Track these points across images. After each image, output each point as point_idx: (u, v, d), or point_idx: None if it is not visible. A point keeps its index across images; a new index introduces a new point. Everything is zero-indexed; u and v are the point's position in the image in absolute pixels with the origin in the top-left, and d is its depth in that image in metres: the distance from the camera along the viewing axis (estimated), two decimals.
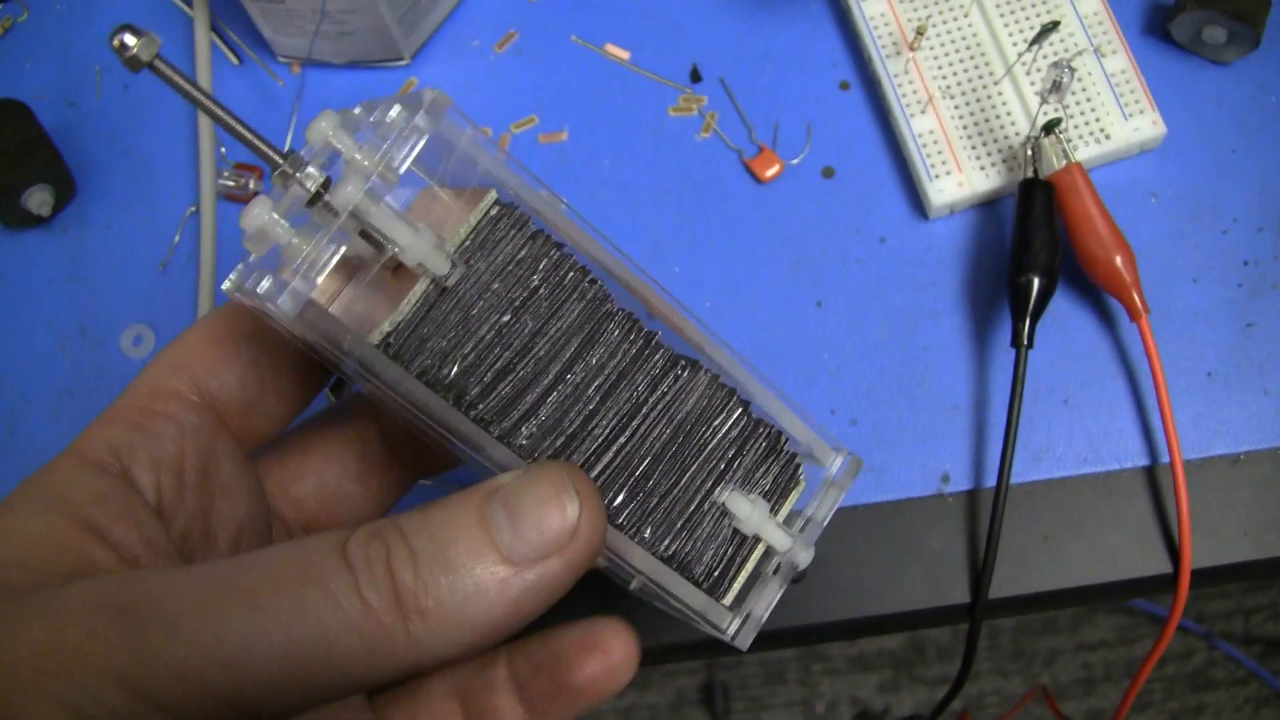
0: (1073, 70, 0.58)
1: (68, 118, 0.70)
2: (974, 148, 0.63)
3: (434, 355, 0.40)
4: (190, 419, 0.43)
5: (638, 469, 0.43)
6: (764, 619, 0.45)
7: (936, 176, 0.62)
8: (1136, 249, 0.59)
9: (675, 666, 1.71)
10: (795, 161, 0.65)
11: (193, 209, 0.68)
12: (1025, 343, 0.58)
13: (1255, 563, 0.60)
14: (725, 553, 0.44)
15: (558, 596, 0.36)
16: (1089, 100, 0.63)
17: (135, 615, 0.32)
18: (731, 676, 1.73)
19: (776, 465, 0.46)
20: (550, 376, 0.42)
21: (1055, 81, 0.58)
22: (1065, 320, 0.62)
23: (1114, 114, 0.62)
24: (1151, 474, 0.60)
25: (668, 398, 0.44)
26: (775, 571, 0.45)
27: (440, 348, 0.40)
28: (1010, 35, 0.64)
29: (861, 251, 0.64)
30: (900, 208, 0.64)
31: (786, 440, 0.46)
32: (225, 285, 0.40)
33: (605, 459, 0.42)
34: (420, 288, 0.40)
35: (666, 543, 0.43)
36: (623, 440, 0.43)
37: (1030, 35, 0.64)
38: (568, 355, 0.42)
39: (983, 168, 0.63)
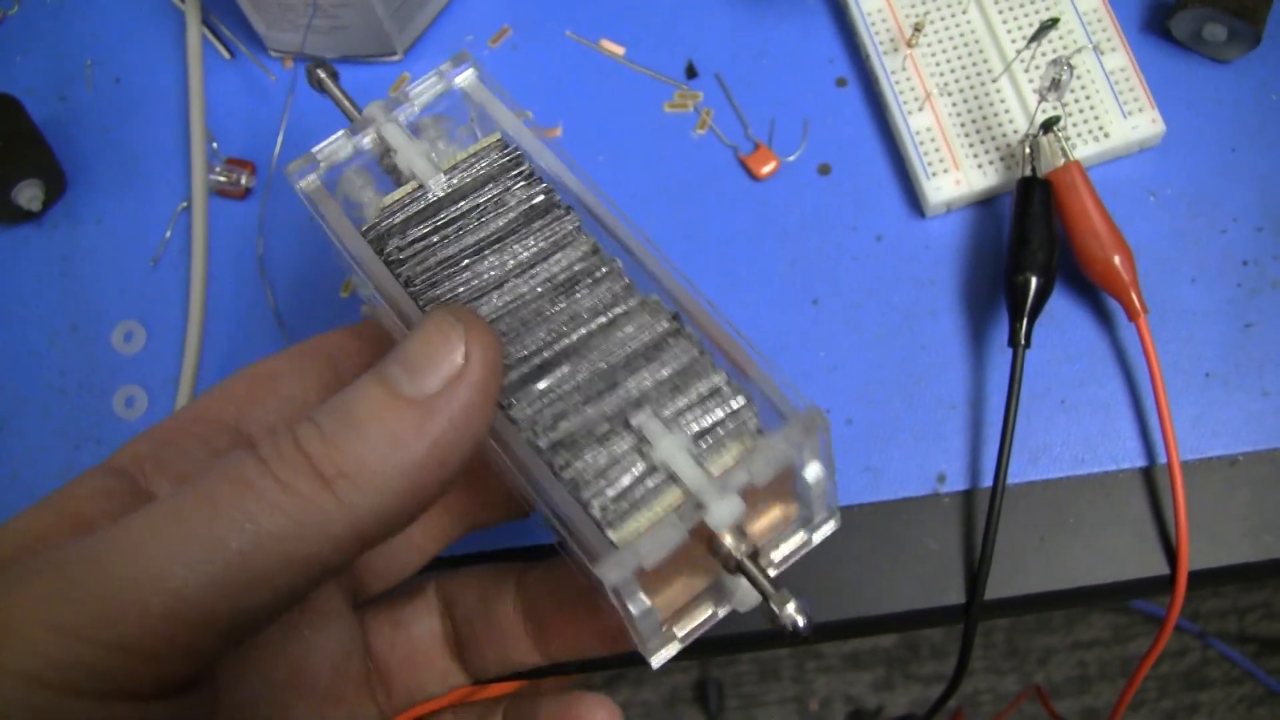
0: (1072, 68, 0.57)
1: (59, 112, 0.70)
2: (971, 145, 0.62)
3: (400, 243, 0.45)
4: (222, 443, 0.43)
5: (557, 367, 0.42)
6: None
7: (934, 174, 0.62)
8: (1135, 248, 0.59)
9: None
10: (791, 159, 0.65)
11: (184, 204, 0.67)
12: (1023, 342, 0.57)
13: (1253, 564, 0.59)
14: (633, 487, 0.40)
15: (478, 427, 0.36)
16: (1088, 98, 0.62)
17: (65, 566, 0.32)
18: (725, 674, 1.73)
19: (719, 409, 0.41)
20: (495, 276, 0.44)
21: (1054, 79, 0.58)
22: (1063, 320, 0.61)
23: (1113, 112, 0.62)
24: (1149, 475, 0.60)
25: (608, 317, 0.43)
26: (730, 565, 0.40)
27: (410, 238, 0.45)
28: (1009, 32, 0.64)
29: (858, 249, 0.63)
30: (897, 205, 0.64)
31: (739, 394, 0.42)
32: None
33: (527, 348, 0.43)
34: (407, 187, 0.46)
35: (565, 457, 0.41)
36: (548, 339, 0.43)
37: (1029, 32, 0.63)
38: (515, 260, 0.44)
39: (980, 165, 0.62)
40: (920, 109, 0.63)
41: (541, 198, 0.45)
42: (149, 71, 0.70)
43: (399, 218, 0.45)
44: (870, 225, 0.64)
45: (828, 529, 0.44)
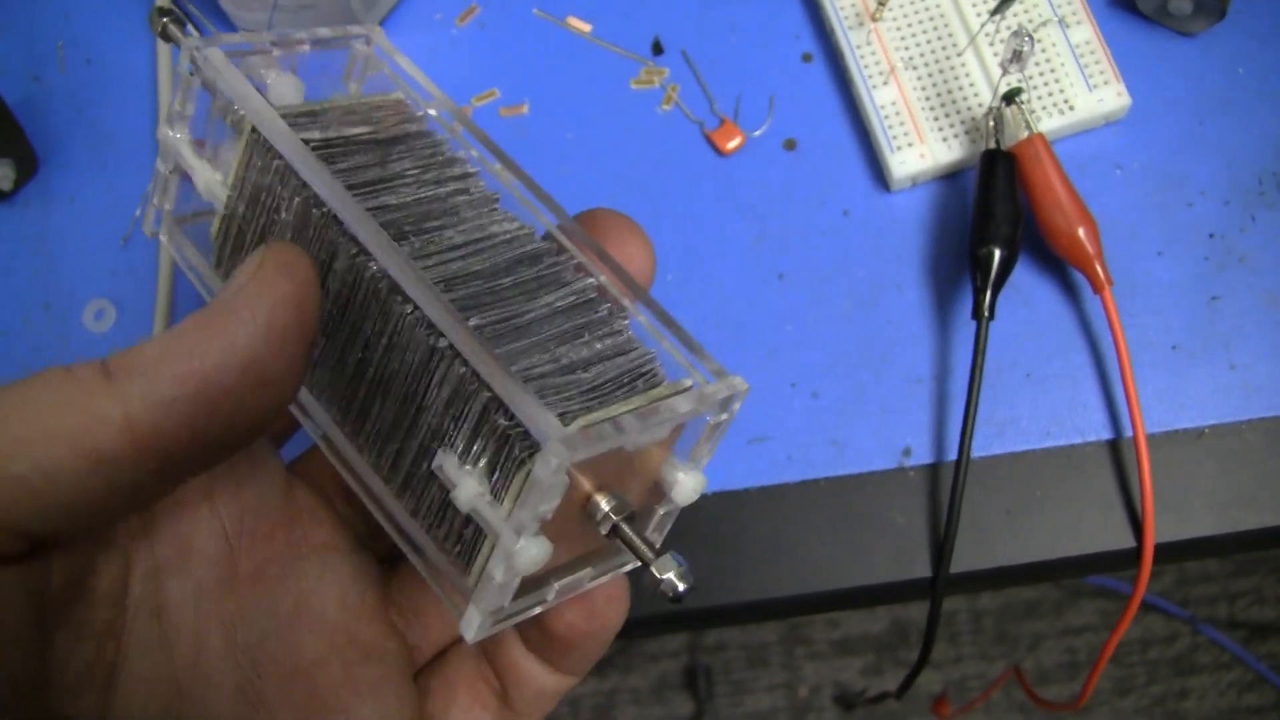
0: (1033, 39, 0.57)
1: (31, 92, 0.70)
2: (936, 119, 0.63)
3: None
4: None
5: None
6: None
7: (899, 148, 0.62)
8: (1101, 221, 0.59)
9: (658, 649, 1.71)
10: (757, 134, 0.65)
11: None
12: (986, 314, 0.57)
13: (1219, 537, 0.59)
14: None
15: (275, 325, 0.37)
16: (1053, 71, 0.62)
17: None
18: (714, 660, 1.73)
19: (493, 440, 0.39)
20: None
21: (1015, 50, 0.58)
22: (1028, 293, 0.62)
23: (1078, 85, 0.62)
24: (1115, 447, 0.60)
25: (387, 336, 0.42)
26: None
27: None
28: (973, 5, 0.64)
29: (824, 224, 0.63)
30: (863, 180, 0.64)
31: (503, 412, 0.38)
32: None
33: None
34: (214, 224, 0.46)
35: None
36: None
37: (993, 5, 0.63)
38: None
39: (945, 139, 0.62)
40: (885, 83, 0.63)
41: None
42: (120, 52, 0.70)
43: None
44: (836, 200, 0.64)
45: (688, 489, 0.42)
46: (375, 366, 0.41)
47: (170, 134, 0.44)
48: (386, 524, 0.43)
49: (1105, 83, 0.62)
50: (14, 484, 0.33)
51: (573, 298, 0.43)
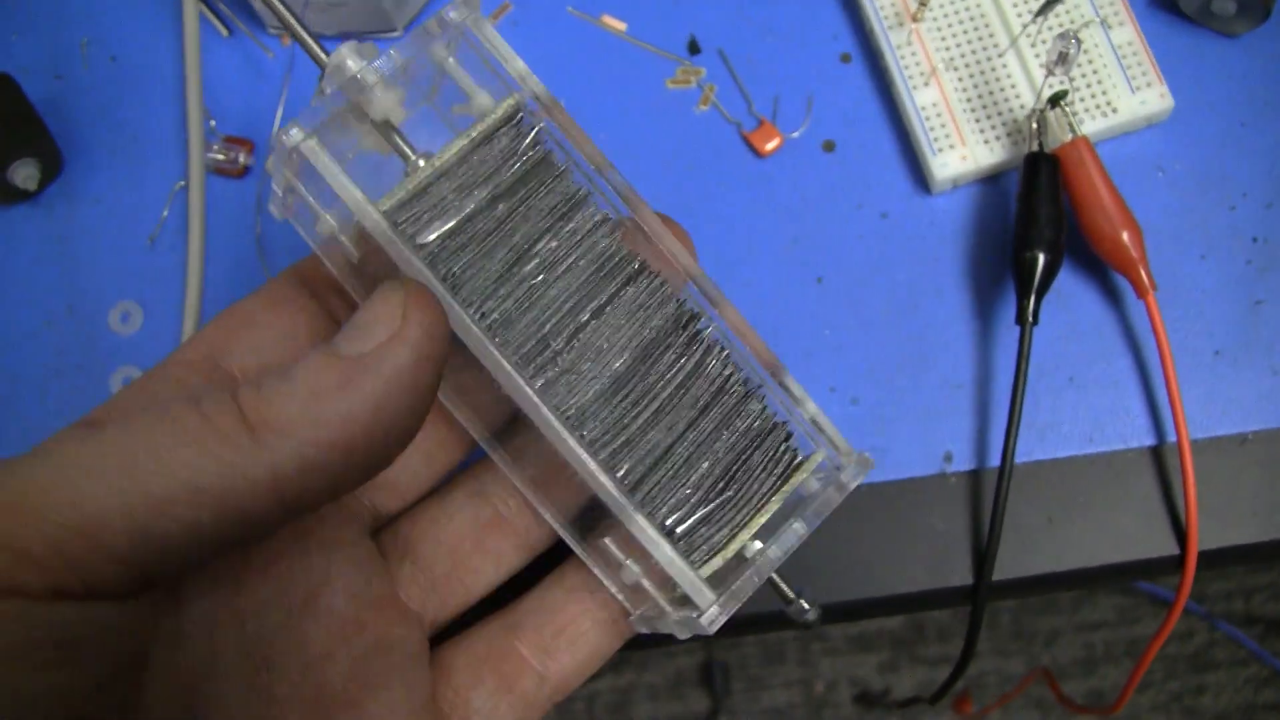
0: (1079, 41, 0.57)
1: (55, 91, 0.69)
2: (978, 121, 0.62)
3: (418, 223, 0.44)
4: (195, 379, 0.44)
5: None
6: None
7: (940, 150, 0.61)
8: (1143, 225, 0.58)
9: (674, 646, 1.70)
10: (795, 135, 0.64)
11: (181, 184, 0.66)
12: (1030, 319, 0.57)
13: (1264, 544, 0.59)
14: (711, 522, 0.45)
15: (415, 387, 0.37)
16: (1095, 73, 0.62)
17: None
18: (731, 656, 1.73)
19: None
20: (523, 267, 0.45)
21: (1061, 53, 0.57)
22: (1070, 297, 0.61)
23: (1120, 87, 0.61)
24: (1158, 454, 0.59)
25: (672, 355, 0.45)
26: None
27: (426, 218, 0.44)
28: (1015, 6, 0.63)
29: (863, 227, 0.63)
30: (902, 182, 0.63)
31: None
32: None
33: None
34: (423, 174, 0.44)
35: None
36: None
37: (1035, 6, 0.62)
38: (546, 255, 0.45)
39: (987, 141, 0.61)
40: (926, 84, 0.62)
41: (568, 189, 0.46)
42: (146, 49, 0.70)
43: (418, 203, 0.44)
44: (875, 202, 0.63)
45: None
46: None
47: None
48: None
49: (1148, 84, 0.61)
50: (153, 540, 0.34)
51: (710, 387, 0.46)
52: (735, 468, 0.45)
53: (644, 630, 0.47)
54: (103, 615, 0.34)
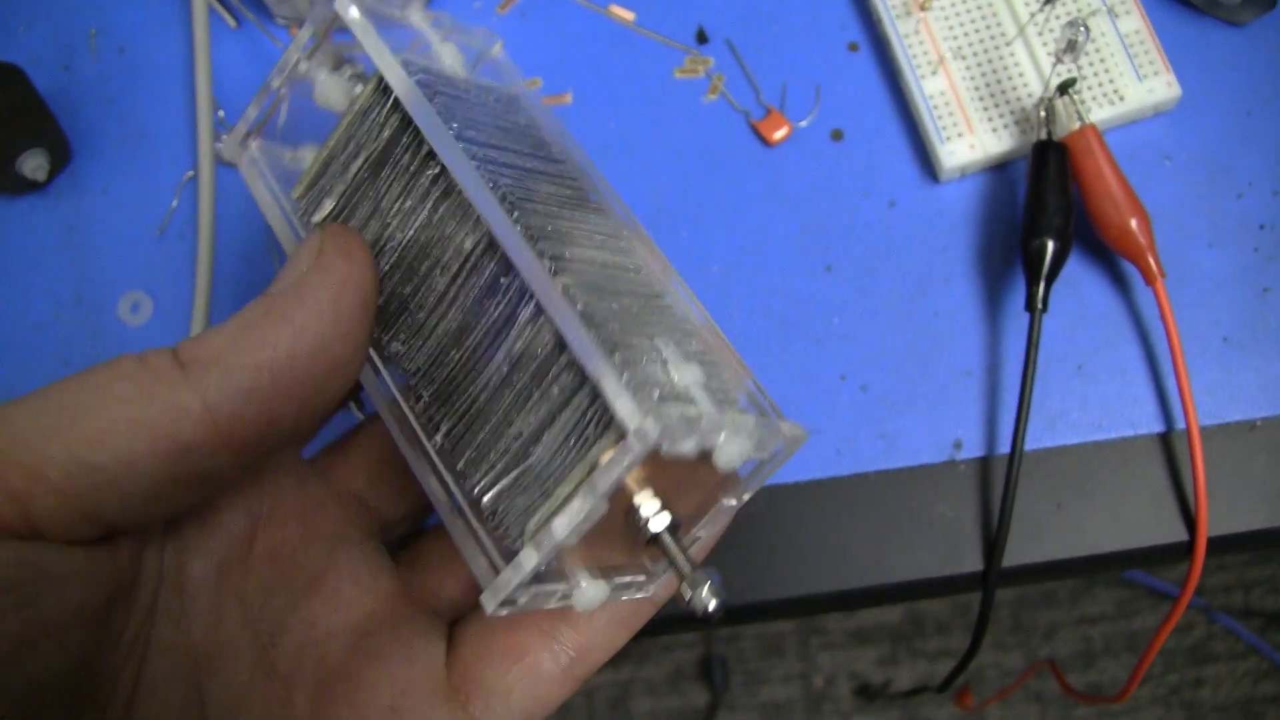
0: (1088, 29, 0.57)
1: (63, 82, 0.69)
2: (986, 109, 0.62)
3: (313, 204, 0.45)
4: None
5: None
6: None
7: (948, 139, 0.62)
8: (1151, 212, 0.59)
9: (672, 640, 1.71)
10: (803, 124, 0.64)
11: (190, 174, 0.67)
12: (1040, 306, 0.57)
13: (1273, 530, 0.59)
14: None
15: (332, 310, 0.39)
16: (1102, 61, 0.62)
17: None
18: (729, 650, 1.73)
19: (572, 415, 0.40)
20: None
21: (1070, 40, 0.57)
22: (1078, 285, 0.61)
23: (1128, 75, 0.62)
24: (1167, 441, 0.59)
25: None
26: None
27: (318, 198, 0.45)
28: None
29: (871, 215, 0.63)
30: (910, 170, 0.63)
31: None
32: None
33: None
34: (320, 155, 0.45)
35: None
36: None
37: None
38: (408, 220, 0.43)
39: (995, 130, 0.62)
40: (934, 73, 0.63)
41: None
42: (154, 41, 0.70)
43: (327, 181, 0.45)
44: (883, 191, 0.63)
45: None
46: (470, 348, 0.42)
47: (298, 56, 0.45)
48: (432, 487, 0.43)
49: (1155, 73, 0.62)
50: (95, 473, 0.34)
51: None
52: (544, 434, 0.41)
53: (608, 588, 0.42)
54: (56, 558, 0.34)
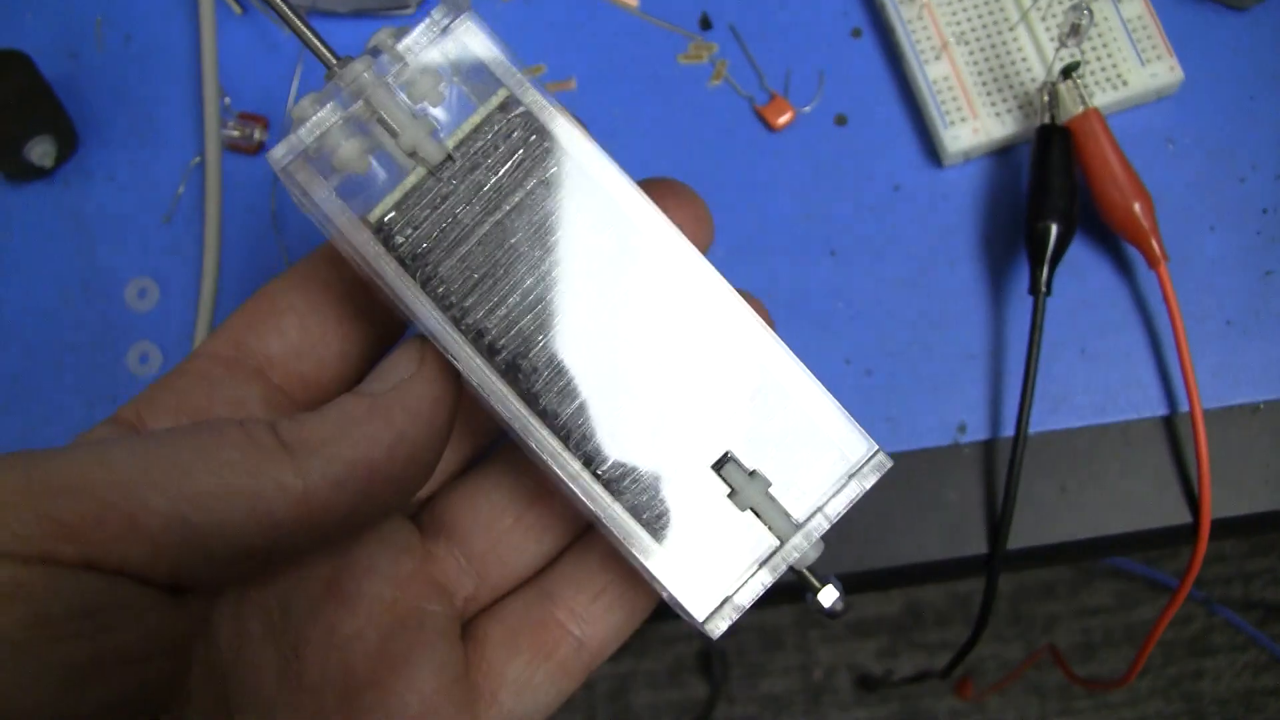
0: (1091, 12, 0.57)
1: (69, 69, 0.69)
2: (989, 94, 0.62)
3: (412, 238, 0.42)
4: (218, 373, 0.45)
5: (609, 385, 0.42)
6: (744, 606, 0.42)
7: (951, 123, 0.62)
8: (1154, 196, 0.59)
9: (672, 633, 1.71)
10: (807, 109, 0.65)
11: (197, 160, 0.67)
12: (1044, 290, 0.57)
13: (1275, 513, 0.59)
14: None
15: (431, 419, 0.41)
16: (1105, 46, 0.62)
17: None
18: (729, 643, 1.73)
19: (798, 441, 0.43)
20: (524, 275, 0.42)
21: (1074, 24, 0.57)
22: (1082, 268, 0.61)
23: (1131, 60, 0.62)
24: (1170, 423, 0.60)
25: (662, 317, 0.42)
26: (765, 561, 0.42)
27: (421, 232, 0.42)
28: None
29: (875, 200, 0.63)
30: (914, 155, 0.64)
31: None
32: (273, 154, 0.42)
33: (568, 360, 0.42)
34: (413, 177, 0.42)
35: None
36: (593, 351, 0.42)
37: None
38: (547, 260, 0.42)
39: (998, 114, 0.62)
40: (937, 58, 0.63)
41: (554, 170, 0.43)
42: (160, 28, 0.70)
43: (409, 211, 0.43)
44: (888, 175, 0.63)
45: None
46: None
47: (370, 79, 0.41)
48: (581, 499, 0.43)
49: (1158, 57, 0.62)
50: (191, 531, 0.35)
51: None
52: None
53: (736, 613, 0.43)
54: (134, 594, 0.35)
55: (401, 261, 0.42)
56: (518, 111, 0.41)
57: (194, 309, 0.65)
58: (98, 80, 0.69)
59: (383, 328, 0.47)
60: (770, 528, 0.42)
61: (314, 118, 0.41)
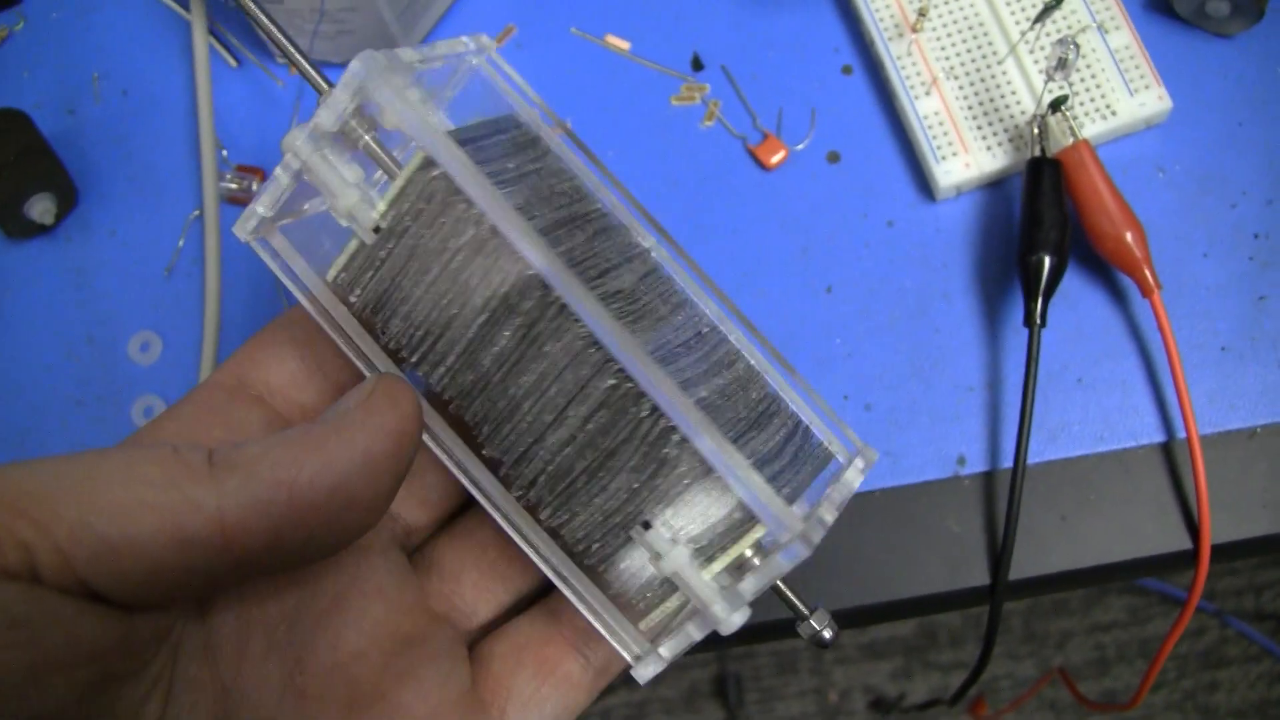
0: (1077, 46, 0.57)
1: (68, 125, 0.70)
2: (980, 128, 0.63)
3: (364, 296, 0.44)
4: (220, 399, 0.45)
5: (554, 457, 0.43)
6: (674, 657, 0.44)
7: (943, 158, 0.62)
8: (1146, 225, 0.59)
9: (687, 659, 1.71)
10: (800, 147, 0.65)
11: (196, 213, 0.67)
12: (1039, 321, 0.57)
13: (1275, 536, 0.59)
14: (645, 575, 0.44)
15: (373, 454, 0.40)
16: (1094, 77, 0.62)
17: None
18: (744, 667, 1.73)
19: (709, 514, 0.43)
20: (459, 335, 0.43)
21: (1060, 58, 0.58)
22: (1076, 299, 0.62)
23: (1119, 90, 0.62)
24: (1168, 450, 0.60)
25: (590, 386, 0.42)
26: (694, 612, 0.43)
27: (369, 293, 0.44)
28: (1012, 14, 0.64)
29: (870, 235, 0.64)
30: (907, 190, 0.64)
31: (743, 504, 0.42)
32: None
33: (521, 431, 0.43)
34: (353, 243, 0.43)
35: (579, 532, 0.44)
36: (544, 421, 0.43)
37: (1033, 14, 0.63)
38: (473, 325, 0.43)
39: (989, 148, 0.62)
40: (927, 93, 0.63)
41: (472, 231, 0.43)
42: (156, 82, 0.70)
43: (354, 274, 0.44)
44: (881, 211, 0.64)
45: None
46: (568, 427, 0.42)
47: (306, 148, 0.42)
48: (534, 555, 0.45)
49: (1146, 87, 0.62)
50: (98, 542, 0.35)
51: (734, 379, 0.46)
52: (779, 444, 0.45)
53: (663, 662, 0.44)
54: (56, 603, 0.35)
55: (358, 318, 0.44)
56: (435, 174, 0.42)
57: (197, 361, 0.65)
58: (96, 136, 0.70)
59: None
60: (690, 593, 0.42)
61: (264, 189, 0.44)
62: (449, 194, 0.42)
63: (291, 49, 0.45)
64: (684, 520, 0.42)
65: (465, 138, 0.43)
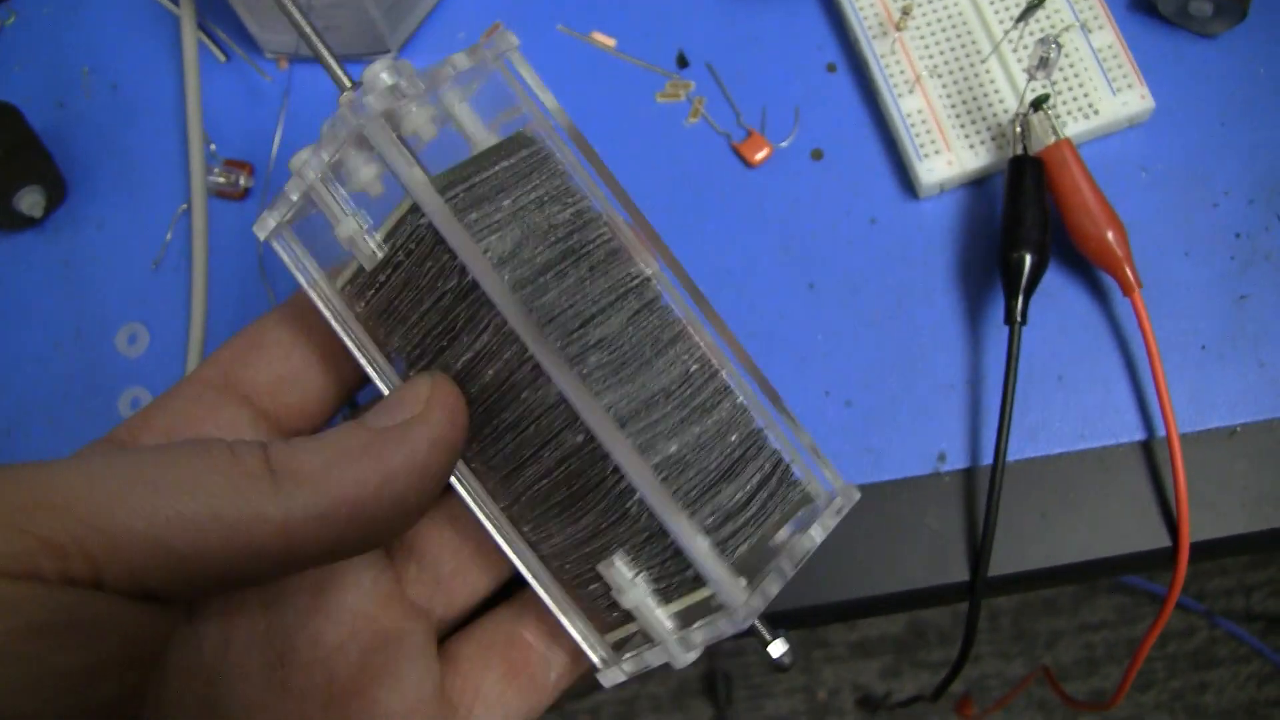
0: (1059, 45, 0.58)
1: (57, 119, 0.70)
2: (963, 126, 0.63)
3: (367, 310, 0.46)
4: (209, 395, 0.46)
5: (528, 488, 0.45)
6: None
7: (926, 156, 0.63)
8: (1127, 224, 0.59)
9: None
10: (784, 144, 0.65)
11: (184, 207, 0.68)
12: (1019, 319, 0.58)
13: (1254, 535, 0.60)
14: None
15: (432, 465, 0.41)
16: (1076, 76, 0.63)
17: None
18: (733, 666, 1.73)
19: (662, 563, 0.44)
20: (456, 362, 0.44)
21: (1042, 57, 0.58)
22: (1058, 297, 0.62)
23: (1102, 89, 0.63)
24: (1148, 448, 0.60)
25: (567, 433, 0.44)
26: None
27: (374, 307, 0.45)
28: (996, 13, 0.64)
29: (852, 233, 0.64)
30: (890, 188, 0.64)
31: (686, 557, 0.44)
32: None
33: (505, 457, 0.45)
34: (349, 270, 0.45)
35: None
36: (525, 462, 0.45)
37: (1016, 12, 0.64)
38: (461, 359, 0.44)
39: (972, 146, 0.63)
40: (911, 91, 0.64)
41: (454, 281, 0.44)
42: (146, 77, 0.71)
43: (359, 288, 0.46)
44: (864, 208, 0.64)
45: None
46: (543, 464, 0.44)
47: (312, 176, 0.44)
48: (514, 557, 0.47)
49: (1129, 86, 0.62)
50: (169, 554, 0.35)
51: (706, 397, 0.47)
52: (741, 474, 0.46)
53: (624, 675, 0.46)
54: (114, 607, 0.35)
55: (364, 324, 0.46)
56: (423, 220, 0.43)
57: (184, 353, 0.65)
58: (85, 129, 0.70)
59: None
60: (647, 627, 0.45)
61: (277, 201, 0.45)
62: (434, 241, 0.43)
63: (321, 48, 0.46)
64: (645, 563, 0.44)
65: (458, 178, 0.44)
